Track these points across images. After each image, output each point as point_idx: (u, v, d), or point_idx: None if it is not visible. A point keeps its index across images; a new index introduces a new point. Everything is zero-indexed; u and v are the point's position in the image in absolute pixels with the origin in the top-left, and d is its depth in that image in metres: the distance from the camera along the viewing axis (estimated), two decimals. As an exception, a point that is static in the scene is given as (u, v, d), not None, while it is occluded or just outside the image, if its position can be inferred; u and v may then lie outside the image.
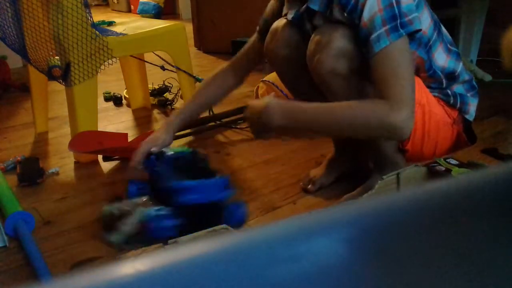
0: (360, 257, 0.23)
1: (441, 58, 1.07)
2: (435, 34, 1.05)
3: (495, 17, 2.23)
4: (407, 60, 0.91)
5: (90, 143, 1.39)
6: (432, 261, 0.24)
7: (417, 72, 1.06)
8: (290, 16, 1.06)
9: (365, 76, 0.96)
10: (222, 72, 1.27)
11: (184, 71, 1.63)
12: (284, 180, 1.27)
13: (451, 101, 1.10)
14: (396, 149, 1.09)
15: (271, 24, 1.13)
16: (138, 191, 1.06)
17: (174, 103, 1.92)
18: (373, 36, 0.90)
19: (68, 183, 1.32)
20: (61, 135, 1.67)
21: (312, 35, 1.00)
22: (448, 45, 1.09)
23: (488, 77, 2.03)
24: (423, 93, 1.05)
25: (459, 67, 1.10)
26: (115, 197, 1.15)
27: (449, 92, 1.10)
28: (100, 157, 1.46)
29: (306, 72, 1.05)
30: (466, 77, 1.12)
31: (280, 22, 1.11)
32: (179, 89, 1.74)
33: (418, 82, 1.05)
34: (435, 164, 1.08)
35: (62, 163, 1.44)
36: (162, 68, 1.70)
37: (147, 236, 0.93)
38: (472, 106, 1.13)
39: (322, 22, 1.01)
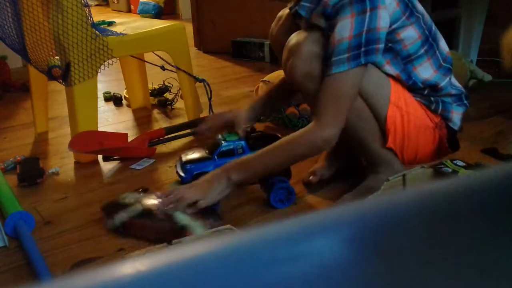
0: (360, 257, 0.23)
1: (426, 73, 1.07)
2: (422, 50, 1.05)
3: (495, 17, 2.23)
4: (354, 88, 1.00)
5: (90, 143, 1.39)
6: (432, 261, 0.24)
7: (397, 80, 1.08)
8: (289, 6, 1.12)
9: None
10: None
11: (184, 71, 1.63)
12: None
13: (433, 107, 1.10)
14: (384, 148, 1.10)
15: None
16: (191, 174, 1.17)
17: (174, 103, 1.92)
18: (335, 58, 0.96)
19: (68, 183, 1.32)
20: (61, 135, 1.67)
21: (288, 39, 1.05)
22: (441, 61, 1.09)
23: (488, 77, 2.03)
24: (401, 96, 1.06)
25: (444, 81, 1.09)
26: (141, 187, 1.17)
27: (431, 98, 1.10)
28: (100, 157, 1.46)
29: None
30: (452, 91, 1.11)
31: (285, 11, 1.17)
32: (179, 89, 1.74)
33: (398, 86, 1.06)
34: (442, 166, 1.08)
35: (62, 163, 1.44)
36: (162, 68, 1.70)
37: (132, 232, 1.02)
38: (456, 114, 1.12)
39: (305, 26, 1.07)
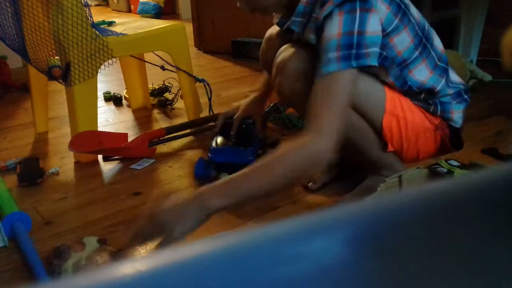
0: (360, 257, 0.23)
1: (422, 74, 1.04)
2: (417, 52, 1.02)
3: (495, 17, 2.23)
4: (346, 93, 0.89)
5: (90, 143, 1.39)
6: (432, 261, 0.24)
7: (393, 87, 1.06)
8: (275, 20, 1.12)
9: None
10: None
11: (184, 71, 1.63)
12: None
13: (431, 109, 1.08)
14: (383, 152, 1.09)
15: None
16: (204, 169, 1.26)
17: (174, 103, 1.92)
18: (324, 57, 0.89)
19: (68, 183, 1.32)
20: (61, 135, 1.67)
21: (276, 56, 1.06)
22: (436, 61, 1.06)
23: (488, 77, 2.03)
24: (397, 103, 1.05)
25: (440, 84, 1.06)
26: (99, 238, 0.99)
27: (429, 101, 1.08)
28: (100, 157, 1.46)
29: None
30: (450, 91, 1.09)
31: (273, 30, 1.20)
32: (179, 89, 1.74)
33: (394, 93, 1.05)
34: (437, 166, 1.09)
35: (62, 163, 1.44)
36: (162, 68, 1.70)
37: None
38: (456, 113, 1.10)
39: (297, 40, 1.07)
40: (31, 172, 1.32)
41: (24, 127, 1.78)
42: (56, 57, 1.45)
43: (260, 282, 0.21)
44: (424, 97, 1.08)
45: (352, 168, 1.28)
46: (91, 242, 0.95)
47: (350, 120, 0.99)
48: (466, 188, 0.26)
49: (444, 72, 1.08)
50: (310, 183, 1.21)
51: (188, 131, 1.61)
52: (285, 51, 1.03)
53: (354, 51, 0.88)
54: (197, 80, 1.68)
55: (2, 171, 1.38)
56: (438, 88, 1.07)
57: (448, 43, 2.26)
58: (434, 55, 1.06)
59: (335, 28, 0.88)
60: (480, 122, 1.63)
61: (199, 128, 1.65)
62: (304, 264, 0.22)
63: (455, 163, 1.11)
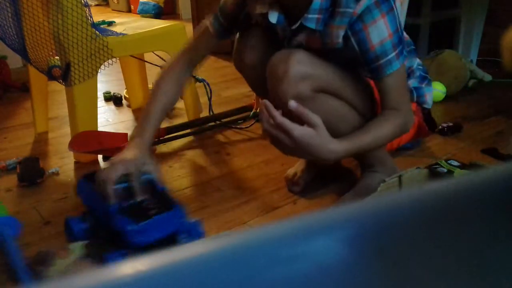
0: (360, 257, 0.23)
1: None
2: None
3: (495, 17, 2.23)
4: (406, 75, 1.05)
5: (90, 143, 1.39)
6: (432, 261, 0.24)
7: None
8: (273, 19, 0.99)
9: (327, 91, 0.99)
10: (179, 69, 1.13)
11: (184, 71, 1.63)
12: (284, 180, 1.27)
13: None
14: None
15: (232, 18, 1.08)
16: (82, 231, 0.93)
17: (174, 103, 1.92)
18: (384, 60, 0.95)
19: (68, 183, 1.32)
20: (61, 135, 1.67)
21: (268, 66, 1.00)
22: (406, 48, 1.10)
23: (488, 77, 2.03)
24: (375, 91, 1.05)
25: (415, 63, 1.18)
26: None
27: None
28: (100, 157, 1.46)
29: None
30: (419, 73, 1.20)
31: (251, 38, 1.10)
32: (179, 89, 1.74)
33: (371, 82, 1.06)
34: (437, 166, 1.09)
35: (62, 163, 1.44)
36: (162, 68, 1.70)
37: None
38: (428, 95, 1.19)
39: (304, 40, 1.01)
40: (31, 172, 1.32)
41: (24, 127, 1.78)
42: (56, 57, 1.44)
43: (260, 282, 0.21)
44: None
45: (331, 167, 1.27)
46: (77, 249, 0.95)
47: (342, 114, 1.03)
48: (466, 188, 0.26)
49: (414, 52, 1.18)
50: (295, 187, 1.21)
51: (188, 131, 1.61)
52: (280, 57, 0.98)
53: (401, 45, 0.97)
54: (197, 80, 1.68)
55: (2, 171, 1.38)
56: (414, 67, 1.17)
57: (448, 43, 2.26)
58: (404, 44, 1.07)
59: (385, 31, 0.93)
60: (480, 122, 1.63)
61: (199, 128, 1.65)
62: (304, 264, 0.22)
63: (455, 163, 1.11)
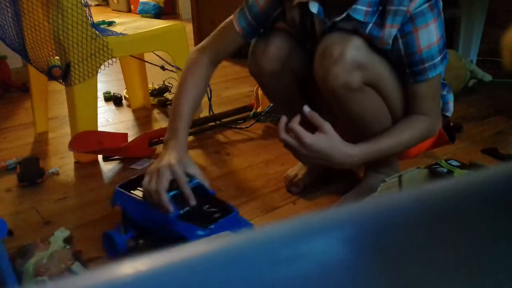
0: (360, 257, 0.23)
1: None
2: None
3: (495, 17, 2.23)
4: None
5: (90, 143, 1.39)
6: (432, 261, 0.24)
7: None
8: (314, 9, 0.94)
9: (374, 86, 0.96)
10: (203, 67, 1.08)
11: (184, 71, 1.63)
12: (284, 180, 1.27)
13: None
14: None
15: (263, 18, 1.04)
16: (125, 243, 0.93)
17: (174, 103, 1.92)
18: (430, 63, 0.94)
19: (68, 183, 1.32)
20: (61, 135, 1.67)
21: (321, 46, 0.95)
22: None
23: (488, 77, 2.03)
24: None
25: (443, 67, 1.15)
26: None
27: None
28: (100, 157, 1.46)
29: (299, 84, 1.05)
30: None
31: (277, 39, 1.05)
32: (179, 89, 1.74)
33: None
34: (437, 166, 1.09)
35: (62, 163, 1.44)
36: (162, 68, 1.70)
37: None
38: (451, 102, 1.16)
39: (349, 27, 0.94)
40: (31, 172, 1.32)
41: (24, 127, 1.78)
42: (56, 57, 1.45)
43: (260, 282, 0.21)
44: None
45: (332, 170, 1.23)
46: (57, 241, 0.95)
47: (377, 109, 1.01)
48: (466, 188, 0.26)
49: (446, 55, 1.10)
50: (293, 188, 1.21)
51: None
52: (338, 39, 0.92)
53: (445, 50, 0.97)
54: (197, 80, 1.68)
55: (2, 171, 1.38)
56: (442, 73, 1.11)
57: (448, 43, 2.26)
58: None
59: (434, 36, 0.93)
60: (480, 122, 1.63)
61: (199, 128, 1.65)
62: (304, 264, 0.22)
63: (455, 163, 1.11)
